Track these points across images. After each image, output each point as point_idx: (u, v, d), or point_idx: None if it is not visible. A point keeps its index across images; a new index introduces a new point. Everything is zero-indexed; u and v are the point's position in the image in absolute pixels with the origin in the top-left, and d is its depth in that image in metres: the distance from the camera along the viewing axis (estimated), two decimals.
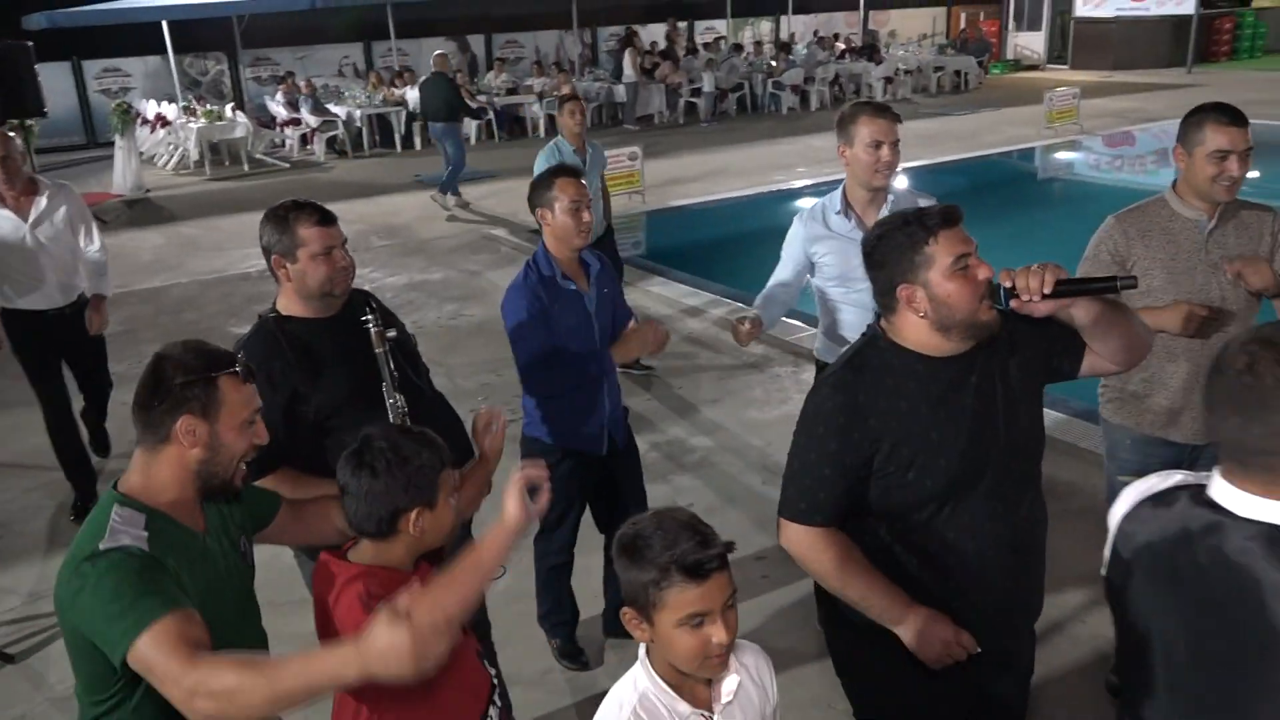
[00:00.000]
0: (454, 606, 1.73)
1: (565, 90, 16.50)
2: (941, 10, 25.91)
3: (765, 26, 23.77)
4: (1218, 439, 1.55)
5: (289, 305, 2.57)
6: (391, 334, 2.54)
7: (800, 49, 20.70)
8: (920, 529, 2.10)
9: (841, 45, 21.38)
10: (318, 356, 2.51)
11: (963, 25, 25.14)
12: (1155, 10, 22.85)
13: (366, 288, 2.90)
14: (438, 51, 13.36)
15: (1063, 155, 14.44)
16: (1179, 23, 22.55)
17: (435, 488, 1.98)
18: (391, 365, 2.52)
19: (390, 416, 2.50)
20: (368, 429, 2.04)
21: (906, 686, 2.18)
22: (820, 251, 3.41)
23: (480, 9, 20.05)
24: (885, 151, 3.21)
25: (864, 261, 2.12)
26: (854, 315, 3.34)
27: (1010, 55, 25.35)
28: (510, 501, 1.91)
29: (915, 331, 2.06)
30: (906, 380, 2.06)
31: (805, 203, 11.92)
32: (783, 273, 3.53)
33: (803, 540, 2.13)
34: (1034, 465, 2.22)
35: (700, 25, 22.83)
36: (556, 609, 3.66)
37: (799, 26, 23.08)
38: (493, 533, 1.90)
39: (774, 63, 19.58)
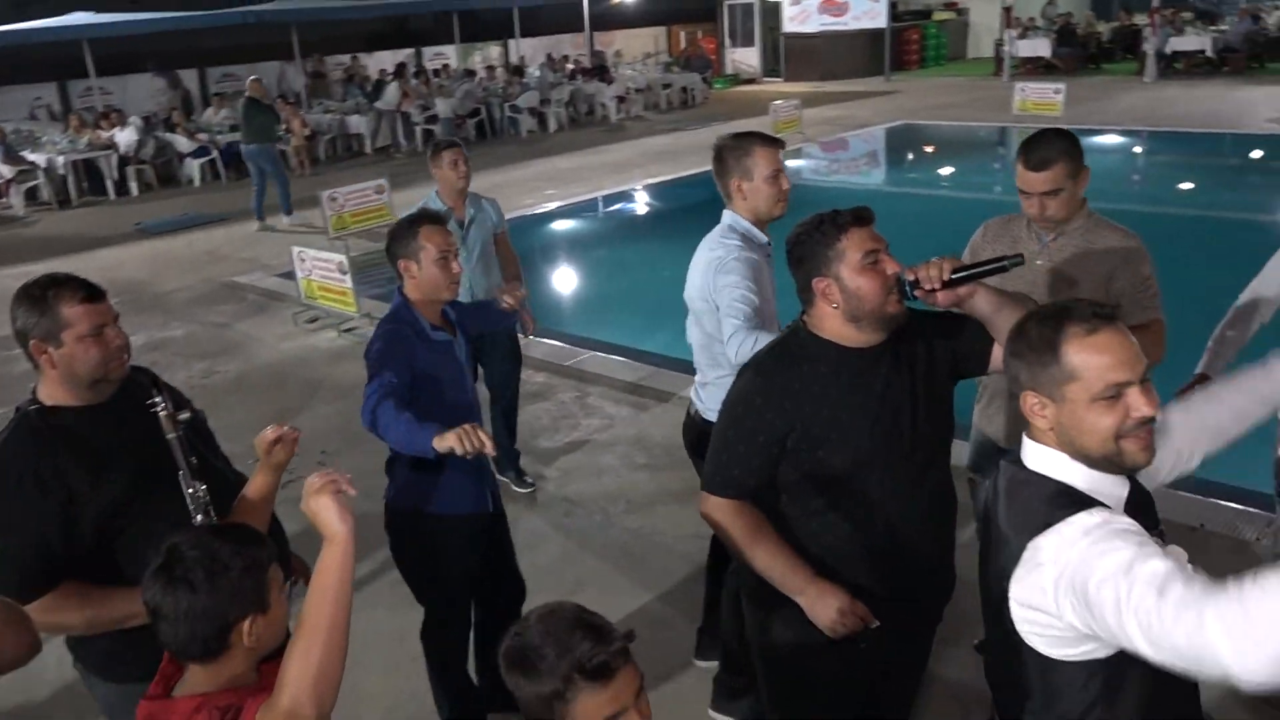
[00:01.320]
0: (323, 666, 1.62)
1: (295, 124, 15.85)
2: (662, 30, 26.91)
3: (494, 51, 23.79)
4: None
5: (54, 394, 2.24)
6: (184, 415, 2.28)
7: (533, 72, 20.85)
8: (830, 505, 2.25)
9: (571, 66, 21.74)
10: (96, 450, 2.20)
11: (684, 43, 26.25)
12: (853, 25, 24.78)
13: None
14: (252, 77, 12.55)
15: (792, 163, 15.34)
16: (875, 35, 24.57)
17: (264, 588, 1.76)
18: (187, 451, 2.25)
19: (191, 509, 2.22)
20: (172, 539, 1.76)
21: (813, 653, 2.31)
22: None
23: (190, 42, 18.75)
24: (784, 180, 3.10)
25: (786, 259, 2.28)
26: None
27: (730, 70, 26.71)
28: (329, 514, 1.76)
29: (830, 322, 2.21)
30: (821, 366, 2.22)
31: (560, 224, 12.25)
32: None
33: (718, 511, 2.32)
34: (941, 451, 2.36)
35: (428, 52, 22.54)
36: (460, 701, 3.30)
37: (528, 49, 23.25)
38: (328, 560, 1.73)
39: (508, 87, 19.62)
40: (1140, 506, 1.71)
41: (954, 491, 2.43)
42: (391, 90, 17.81)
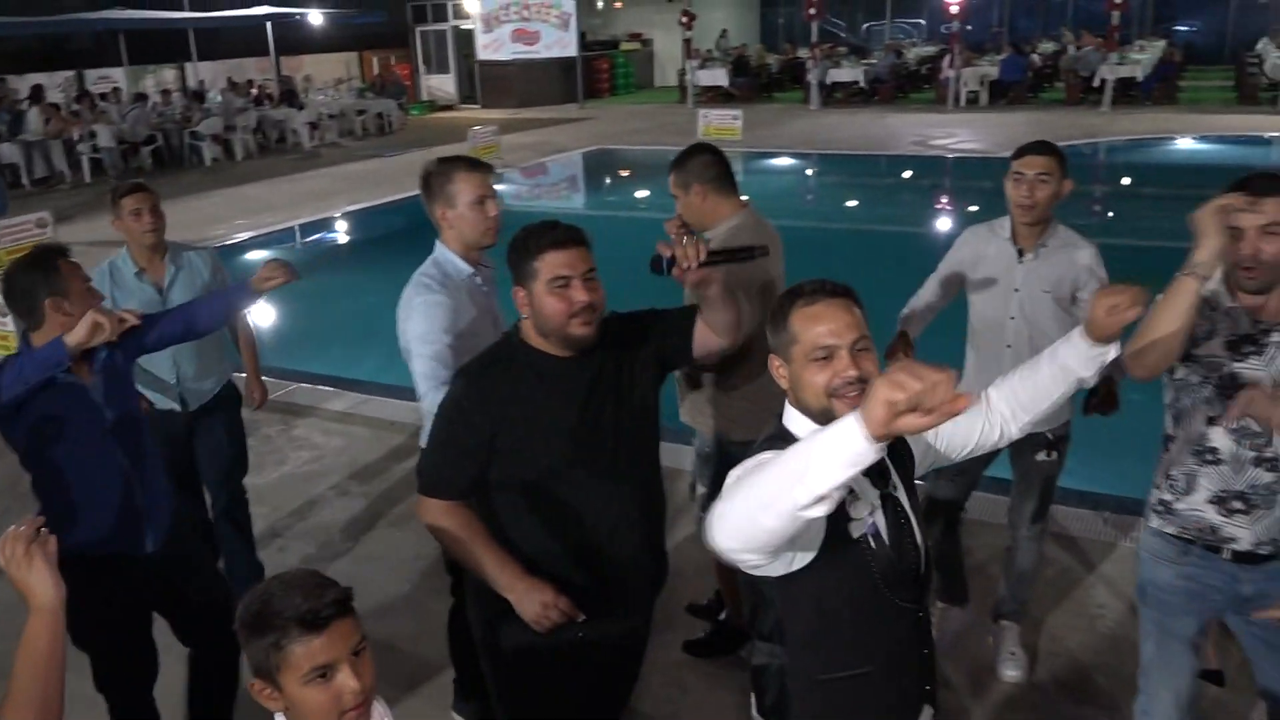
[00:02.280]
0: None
1: None
2: (353, 55, 26.29)
3: (170, 74, 22.24)
4: None
5: None
6: None
7: (214, 96, 19.69)
8: (536, 506, 2.35)
9: (256, 90, 20.75)
10: None
11: (376, 69, 25.78)
12: (545, 54, 25.40)
13: None
14: None
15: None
16: (566, 64, 25.33)
17: None
18: None
19: None
20: None
21: (534, 648, 2.38)
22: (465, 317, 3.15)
23: None
24: (490, 206, 2.97)
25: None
26: None
27: (426, 96, 26.53)
28: (42, 583, 1.70)
29: (533, 331, 2.33)
30: (526, 371, 2.31)
31: (255, 255, 11.63)
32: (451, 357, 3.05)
33: (431, 512, 2.38)
34: (645, 455, 2.47)
35: (92, 75, 20.69)
36: None
37: (207, 73, 21.94)
38: (38, 628, 1.68)
39: (187, 111, 18.40)
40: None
41: (661, 491, 2.58)
42: (33, 117, 16.10)
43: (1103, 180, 14.37)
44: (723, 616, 3.90)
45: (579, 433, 2.31)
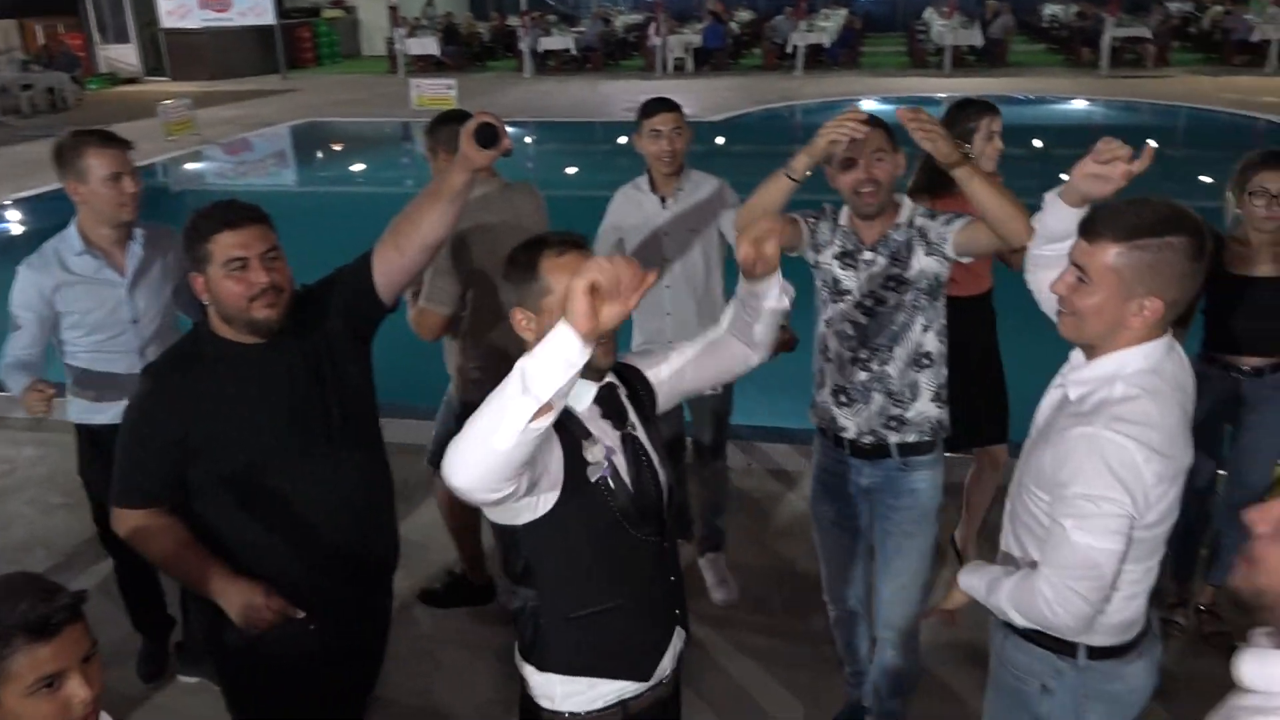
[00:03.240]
0: None
1: None
2: (12, 23, 23.44)
3: None
4: None
5: None
6: None
7: None
8: (244, 502, 2.22)
9: None
10: None
11: (41, 39, 23.13)
12: (239, 21, 23.74)
13: None
14: None
15: (191, 166, 14.38)
16: (264, 32, 23.81)
17: None
18: None
19: None
20: None
21: (262, 648, 2.27)
22: (69, 299, 3.07)
23: None
24: (127, 183, 2.98)
25: None
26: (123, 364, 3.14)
27: (104, 69, 24.15)
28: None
29: (218, 320, 2.21)
30: (217, 364, 2.20)
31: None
32: (24, 336, 3.09)
33: (128, 523, 2.22)
34: (365, 433, 2.38)
35: None
36: None
37: None
38: None
39: None
40: (606, 402, 1.92)
41: (386, 466, 2.48)
42: None
43: (801, 140, 15.35)
44: (459, 571, 3.93)
45: (294, 420, 2.22)
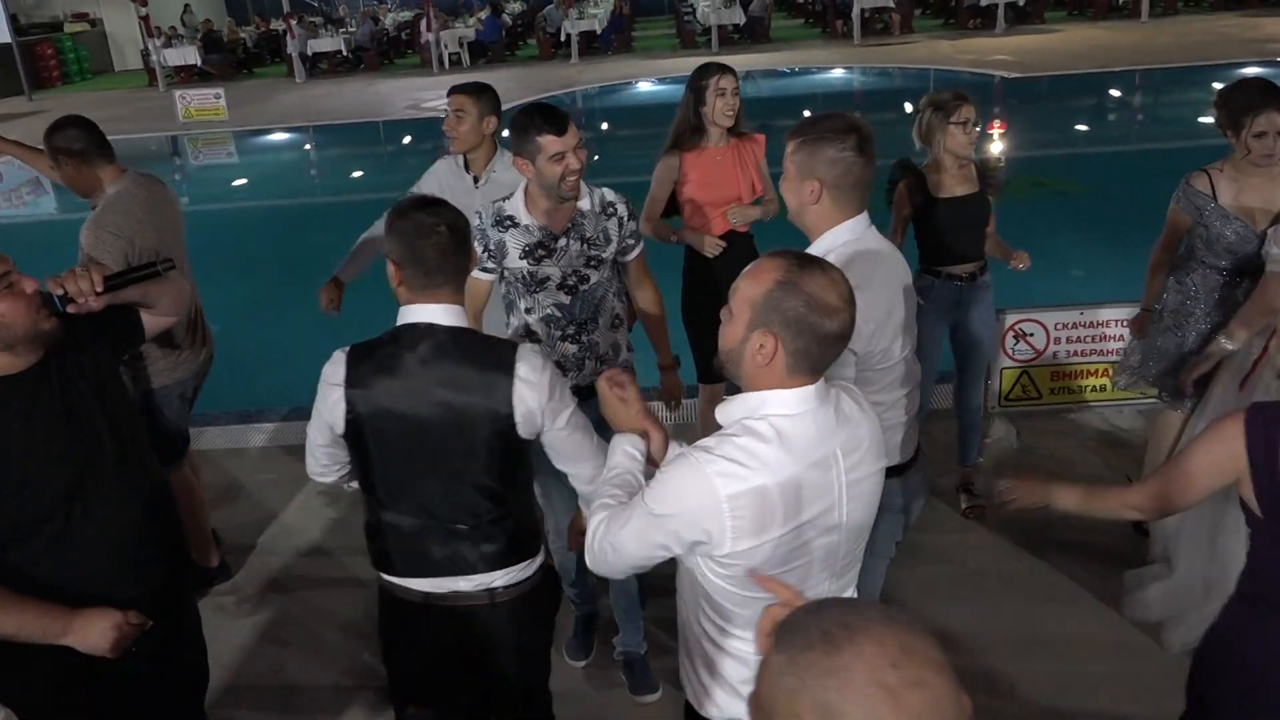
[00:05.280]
0: None
1: None
2: None
3: None
4: None
5: None
6: None
7: None
8: (57, 537, 2.14)
9: None
10: None
11: None
12: None
13: None
14: None
15: None
16: (1, 51, 22.05)
17: None
18: None
19: None
20: None
21: (72, 688, 2.20)
22: None
23: None
24: None
25: None
26: None
27: None
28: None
29: None
30: None
31: None
32: None
33: None
34: (141, 439, 2.37)
35: None
36: None
37: None
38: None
39: None
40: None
41: (162, 475, 2.46)
42: None
43: (585, 126, 15.71)
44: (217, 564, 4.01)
45: (76, 452, 2.15)
